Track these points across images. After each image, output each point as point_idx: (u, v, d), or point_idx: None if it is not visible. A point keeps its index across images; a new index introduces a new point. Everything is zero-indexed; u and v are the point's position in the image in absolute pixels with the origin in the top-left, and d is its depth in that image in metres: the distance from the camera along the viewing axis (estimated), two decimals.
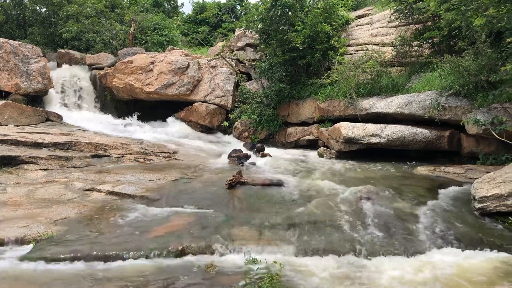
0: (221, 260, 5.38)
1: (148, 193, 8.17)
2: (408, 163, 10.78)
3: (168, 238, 5.86)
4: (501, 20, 8.43)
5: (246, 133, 15.44)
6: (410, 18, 12.99)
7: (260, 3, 14.99)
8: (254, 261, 5.18)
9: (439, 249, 5.84)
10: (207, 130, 16.81)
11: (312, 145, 13.89)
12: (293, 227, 6.32)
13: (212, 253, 5.56)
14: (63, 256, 5.33)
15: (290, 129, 14.71)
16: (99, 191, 8.43)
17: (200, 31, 27.16)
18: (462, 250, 5.82)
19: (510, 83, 8.56)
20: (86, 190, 8.51)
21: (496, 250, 5.79)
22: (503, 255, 5.65)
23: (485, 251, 5.79)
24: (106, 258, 5.34)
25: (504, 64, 9.02)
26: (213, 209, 7.21)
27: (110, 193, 8.30)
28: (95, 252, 5.43)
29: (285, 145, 14.63)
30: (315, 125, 14.11)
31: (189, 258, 5.41)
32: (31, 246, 5.72)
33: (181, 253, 5.48)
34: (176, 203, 7.60)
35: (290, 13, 13.75)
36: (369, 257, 5.55)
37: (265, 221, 6.52)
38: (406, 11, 12.61)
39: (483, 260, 5.50)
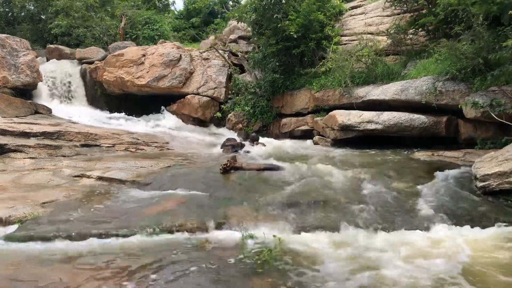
0: (217, 236, 5.14)
1: (139, 178, 7.91)
2: (405, 149, 10.57)
3: (160, 217, 5.61)
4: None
5: (240, 125, 15.18)
6: (405, 6, 12.84)
7: None
8: (251, 237, 4.94)
9: (441, 224, 5.63)
10: (200, 122, 16.53)
11: (307, 135, 13.66)
12: (290, 206, 6.10)
13: (207, 230, 5.32)
14: (49, 235, 5.05)
15: (285, 120, 14.49)
16: (88, 177, 8.15)
17: (192, 21, 26.81)
18: (467, 226, 5.61)
19: (511, 61, 8.38)
20: (75, 176, 8.22)
21: (501, 225, 5.59)
22: (509, 229, 5.45)
23: (490, 226, 5.59)
24: (94, 236, 5.07)
25: (501, 48, 8.92)
26: (208, 192, 6.95)
27: (100, 178, 8.02)
28: (83, 231, 5.17)
29: (280, 136, 14.40)
30: (309, 115, 13.90)
31: (182, 235, 5.17)
32: (16, 226, 5.44)
33: (175, 230, 5.23)
34: (169, 186, 7.34)
35: (283, 1, 13.53)
36: (368, 230, 5.34)
37: (261, 201, 6.30)
38: None
39: (488, 234, 5.32)
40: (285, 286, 3.81)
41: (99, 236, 5.08)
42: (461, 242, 4.94)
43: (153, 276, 4.05)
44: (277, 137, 14.49)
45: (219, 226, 5.37)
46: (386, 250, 4.75)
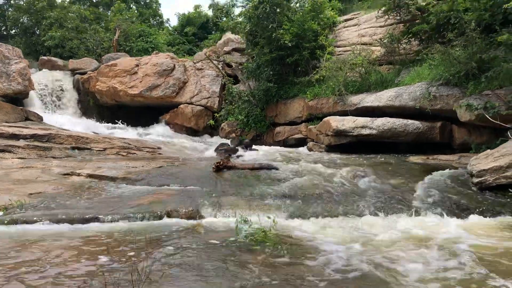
0: (210, 222, 5.01)
1: (130, 175, 7.74)
2: (400, 155, 10.51)
3: (152, 205, 5.46)
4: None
5: (233, 134, 15.08)
6: (398, 15, 12.95)
7: (247, 5, 14.90)
8: (245, 221, 4.78)
9: (438, 215, 5.53)
10: (193, 132, 16.42)
11: (300, 144, 13.55)
12: (284, 197, 6.00)
13: (200, 217, 5.18)
14: (33, 219, 4.87)
15: (278, 128, 14.43)
16: (78, 175, 7.96)
17: (186, 32, 26.94)
18: (462, 217, 5.53)
19: (504, 60, 8.41)
20: (65, 174, 8.02)
21: (496, 215, 5.54)
22: (503, 218, 5.38)
23: (485, 216, 5.53)
24: (80, 221, 4.89)
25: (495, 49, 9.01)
26: (200, 187, 6.80)
27: (90, 176, 7.83)
28: (71, 216, 5.00)
29: (273, 145, 14.26)
30: (303, 124, 13.85)
31: (175, 220, 5.00)
32: (1, 213, 5.24)
33: (166, 216, 5.07)
34: (161, 182, 7.18)
35: (278, 10, 13.62)
36: (362, 216, 5.24)
37: (255, 193, 6.18)
38: (395, 7, 12.55)
39: (482, 222, 5.26)
40: (280, 259, 3.66)
41: (86, 220, 4.91)
42: (454, 227, 4.90)
43: (132, 254, 3.88)
44: (270, 146, 14.37)
45: (212, 213, 5.23)
46: (377, 232, 4.69)
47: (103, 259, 3.72)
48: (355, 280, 3.39)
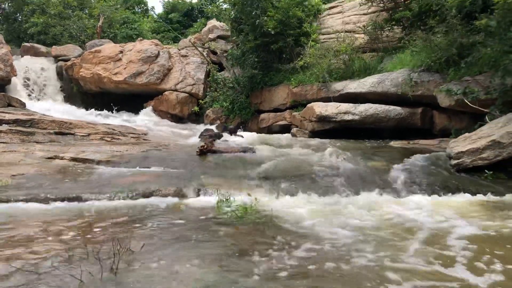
0: (192, 201, 5.09)
1: (114, 158, 7.74)
2: (382, 140, 10.67)
3: (135, 185, 5.51)
4: None
5: (218, 121, 15.10)
6: (381, 3, 13.06)
7: None
8: (227, 200, 4.87)
9: (415, 194, 5.71)
10: (178, 119, 16.38)
11: (285, 130, 13.63)
12: (266, 179, 6.08)
13: (183, 196, 5.25)
14: (18, 198, 4.89)
15: (263, 115, 14.49)
16: (61, 158, 7.93)
17: (171, 18, 26.74)
18: (439, 195, 5.71)
19: (482, 45, 8.58)
20: (48, 158, 7.99)
21: (471, 194, 5.73)
22: (479, 197, 5.58)
23: (461, 194, 5.72)
24: (65, 200, 4.94)
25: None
26: (184, 169, 6.86)
27: (74, 159, 7.81)
28: (52, 195, 5.02)
29: (258, 132, 14.33)
30: (287, 110, 13.93)
31: (157, 199, 5.06)
32: None
33: (149, 195, 5.13)
34: (145, 165, 7.21)
35: None
36: (342, 195, 5.38)
37: (237, 174, 6.27)
38: None
39: (459, 200, 5.43)
40: (259, 231, 3.77)
41: (69, 199, 4.95)
42: (427, 203, 5.08)
43: (114, 229, 3.94)
44: (255, 132, 14.43)
45: (195, 192, 5.30)
46: (349, 206, 4.85)
47: (85, 233, 3.77)
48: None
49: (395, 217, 4.51)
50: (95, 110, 16.58)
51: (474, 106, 8.70)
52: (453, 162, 6.84)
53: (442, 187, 5.91)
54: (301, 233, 3.85)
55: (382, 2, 12.98)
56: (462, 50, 9.38)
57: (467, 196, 5.67)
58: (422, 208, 4.91)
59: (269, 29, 13.29)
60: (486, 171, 6.52)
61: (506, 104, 8.08)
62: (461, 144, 7.05)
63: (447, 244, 3.62)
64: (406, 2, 12.25)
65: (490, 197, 5.63)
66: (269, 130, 14.18)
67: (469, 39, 8.76)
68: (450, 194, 5.73)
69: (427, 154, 7.89)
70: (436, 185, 5.99)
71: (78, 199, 4.97)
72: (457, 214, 4.66)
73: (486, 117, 8.09)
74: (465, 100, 8.84)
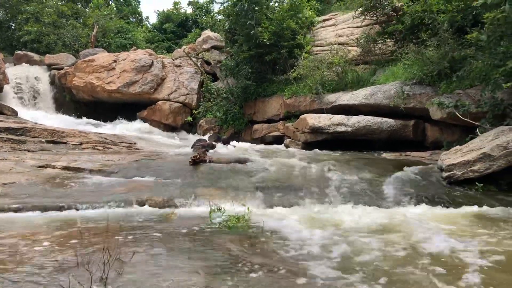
0: (184, 210, 5.08)
1: (106, 167, 7.69)
2: (374, 152, 10.72)
3: (127, 195, 5.49)
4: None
5: (211, 131, 15.12)
6: (374, 16, 13.20)
7: (226, 2, 14.97)
8: (219, 210, 4.85)
9: (406, 206, 5.73)
10: (171, 129, 16.37)
11: (278, 141, 13.67)
12: (259, 189, 6.07)
13: (175, 206, 5.21)
14: (7, 207, 4.84)
15: (256, 126, 14.52)
16: (53, 167, 7.86)
17: (165, 28, 26.81)
18: (430, 207, 5.72)
19: (474, 57, 8.69)
20: (39, 166, 7.91)
21: (462, 206, 5.75)
22: (469, 208, 5.60)
23: (451, 207, 5.74)
24: (56, 209, 4.89)
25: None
26: (176, 179, 6.82)
27: (65, 168, 7.75)
28: (44, 204, 4.97)
29: (251, 142, 14.35)
30: (281, 121, 13.98)
31: (149, 208, 5.04)
32: None
33: (141, 205, 5.10)
34: (136, 174, 7.16)
35: (256, 8, 13.72)
36: (333, 206, 5.39)
37: (230, 184, 6.24)
38: (372, 8, 12.78)
39: (449, 212, 5.46)
40: (250, 241, 3.76)
41: (59, 208, 4.91)
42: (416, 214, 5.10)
43: (104, 238, 3.91)
44: (248, 143, 14.44)
45: (186, 202, 5.28)
46: (343, 216, 4.86)
47: (75, 242, 3.73)
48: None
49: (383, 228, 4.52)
50: (87, 118, 16.57)
51: (465, 119, 8.78)
52: (445, 174, 6.87)
53: (432, 199, 5.93)
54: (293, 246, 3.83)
55: (375, 15, 13.13)
56: (453, 64, 9.51)
57: (457, 208, 5.69)
58: (409, 219, 4.90)
59: (264, 40, 13.39)
60: (477, 183, 6.56)
61: (496, 117, 8.16)
62: (453, 156, 7.10)
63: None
64: (398, 16, 12.40)
65: (481, 209, 5.65)
66: (262, 140, 14.21)
67: (461, 52, 8.87)
68: (440, 206, 5.75)
69: (419, 167, 7.95)
70: (426, 197, 6.01)
71: (69, 208, 4.93)
72: (445, 225, 4.67)
73: (477, 130, 8.15)
74: (457, 113, 8.92)
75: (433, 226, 4.55)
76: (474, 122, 8.63)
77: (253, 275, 3.08)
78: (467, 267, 3.32)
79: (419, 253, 3.66)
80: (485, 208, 5.69)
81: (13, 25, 24.45)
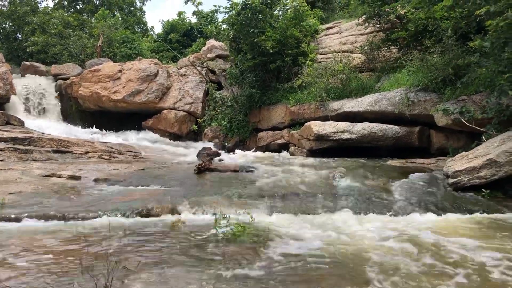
0: (190, 219, 5.07)
1: (112, 176, 7.75)
2: (379, 159, 10.68)
3: (133, 203, 5.50)
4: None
5: (217, 140, 15.14)
6: (378, 23, 13.23)
7: (230, 11, 15.06)
8: (224, 218, 4.86)
9: (413, 213, 5.67)
10: (176, 138, 16.42)
11: (283, 148, 13.65)
12: (263, 197, 6.07)
13: (180, 214, 5.21)
14: (14, 216, 4.87)
15: (261, 134, 14.53)
16: (59, 176, 7.94)
17: (170, 38, 26.99)
18: (438, 215, 5.68)
19: (479, 64, 8.67)
20: (45, 176, 8.00)
21: (469, 213, 5.69)
22: (477, 215, 5.56)
23: (459, 213, 5.68)
24: (61, 218, 4.91)
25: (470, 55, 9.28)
26: (181, 187, 6.85)
27: (71, 177, 7.82)
28: (51, 213, 5.01)
29: (256, 150, 14.36)
30: (285, 129, 13.98)
31: (154, 218, 5.05)
32: None
33: (146, 214, 5.11)
34: (142, 183, 7.20)
35: (260, 17, 13.79)
36: (337, 212, 5.38)
37: (235, 193, 6.24)
38: (375, 15, 12.82)
39: (457, 218, 5.40)
40: (255, 249, 3.75)
41: (65, 217, 4.92)
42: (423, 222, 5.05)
43: (110, 246, 3.92)
44: (253, 151, 14.44)
45: (192, 210, 5.29)
46: (350, 224, 4.83)
47: (81, 251, 3.75)
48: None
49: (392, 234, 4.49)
50: (93, 128, 16.66)
51: (471, 125, 8.74)
52: (451, 181, 6.85)
53: (439, 206, 5.90)
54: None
55: (378, 22, 13.14)
56: (458, 70, 9.49)
57: (464, 214, 5.65)
58: (417, 227, 4.88)
59: (268, 48, 13.44)
60: (483, 190, 6.52)
61: (502, 123, 8.12)
62: (458, 163, 7.07)
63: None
64: (402, 23, 12.41)
65: (487, 215, 5.61)
66: (267, 148, 14.20)
67: (465, 59, 8.85)
68: (447, 212, 5.72)
69: (425, 173, 7.93)
70: (432, 203, 5.98)
71: (74, 217, 4.95)
72: (451, 232, 4.64)
73: (483, 136, 8.12)
74: (462, 119, 8.88)
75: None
76: (479, 128, 8.59)
77: (259, 284, 3.07)
78: None
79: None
80: (495, 215, 5.64)
81: (20, 36, 24.77)
